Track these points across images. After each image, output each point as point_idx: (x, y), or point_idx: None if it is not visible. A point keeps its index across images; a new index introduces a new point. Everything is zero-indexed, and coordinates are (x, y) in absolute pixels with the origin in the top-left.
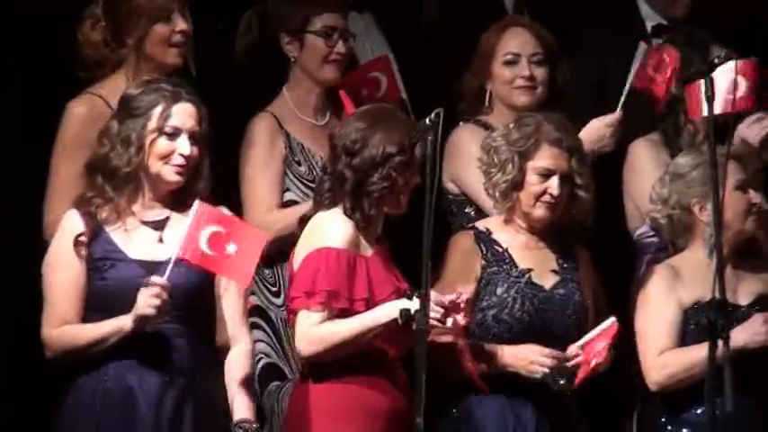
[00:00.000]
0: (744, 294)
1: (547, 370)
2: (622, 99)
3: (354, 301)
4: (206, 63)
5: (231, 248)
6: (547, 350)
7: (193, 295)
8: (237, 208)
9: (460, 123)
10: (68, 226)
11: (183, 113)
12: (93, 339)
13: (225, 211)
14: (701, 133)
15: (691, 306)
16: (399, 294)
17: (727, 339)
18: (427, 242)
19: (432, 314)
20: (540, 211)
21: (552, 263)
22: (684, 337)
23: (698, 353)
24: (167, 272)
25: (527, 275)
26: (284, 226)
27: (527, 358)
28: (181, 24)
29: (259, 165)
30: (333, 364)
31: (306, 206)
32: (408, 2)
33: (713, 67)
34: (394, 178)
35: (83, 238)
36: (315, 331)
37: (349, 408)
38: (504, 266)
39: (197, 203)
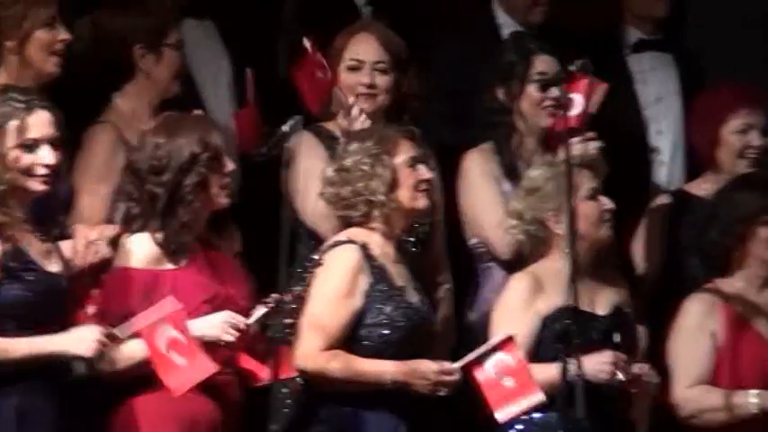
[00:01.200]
0: (601, 304)
1: (447, 390)
2: None
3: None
4: None
5: (180, 360)
6: (444, 367)
7: None
8: None
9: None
10: None
11: (40, 123)
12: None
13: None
14: (529, 141)
15: (548, 314)
16: (217, 303)
17: (579, 348)
18: (284, 251)
19: (226, 336)
20: (422, 201)
21: (411, 279)
22: (540, 345)
23: (548, 371)
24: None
25: (403, 292)
26: None
27: (426, 377)
28: (63, 34)
29: (94, 177)
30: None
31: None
32: (252, 9)
33: (569, 75)
34: (206, 176)
35: None
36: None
37: (171, 417)
38: (386, 284)
39: (170, 301)
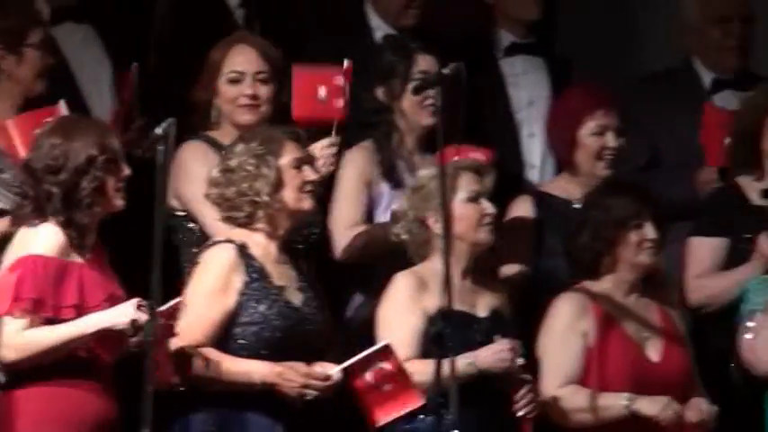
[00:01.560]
0: (481, 307)
1: (315, 392)
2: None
3: (62, 308)
4: None
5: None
6: (314, 371)
7: None
8: None
9: (187, 140)
10: None
11: None
12: None
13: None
14: (409, 140)
15: (432, 314)
16: (113, 301)
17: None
18: (157, 254)
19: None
20: (307, 202)
21: (297, 279)
22: (426, 343)
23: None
24: None
25: (283, 293)
26: None
27: (295, 379)
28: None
29: None
30: (39, 368)
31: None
32: (135, 13)
33: (442, 78)
34: (102, 179)
35: None
36: (18, 338)
37: (54, 414)
38: (263, 283)
39: None
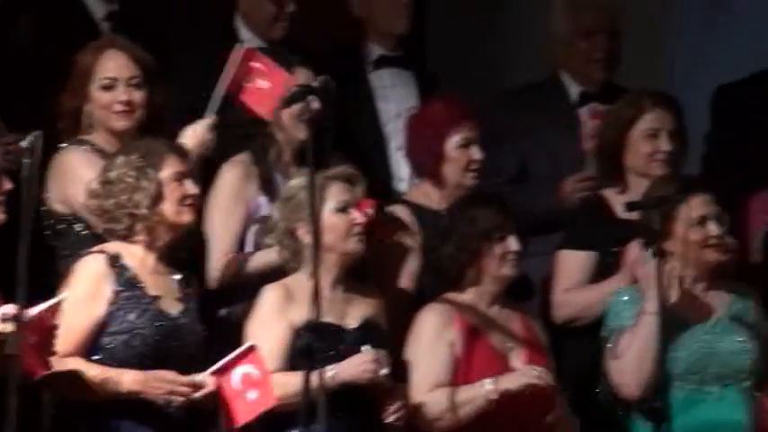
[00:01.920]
0: (353, 317)
1: (182, 398)
2: (216, 104)
3: None
4: None
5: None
6: (182, 378)
7: None
8: None
9: (65, 145)
10: None
11: None
12: None
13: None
14: (286, 153)
15: (300, 326)
16: None
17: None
18: (22, 264)
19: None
20: (187, 216)
21: (176, 290)
22: (293, 356)
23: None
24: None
25: (157, 302)
26: None
27: (160, 386)
28: None
29: None
30: None
31: None
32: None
33: (313, 91)
34: None
35: None
36: None
37: None
38: (135, 292)
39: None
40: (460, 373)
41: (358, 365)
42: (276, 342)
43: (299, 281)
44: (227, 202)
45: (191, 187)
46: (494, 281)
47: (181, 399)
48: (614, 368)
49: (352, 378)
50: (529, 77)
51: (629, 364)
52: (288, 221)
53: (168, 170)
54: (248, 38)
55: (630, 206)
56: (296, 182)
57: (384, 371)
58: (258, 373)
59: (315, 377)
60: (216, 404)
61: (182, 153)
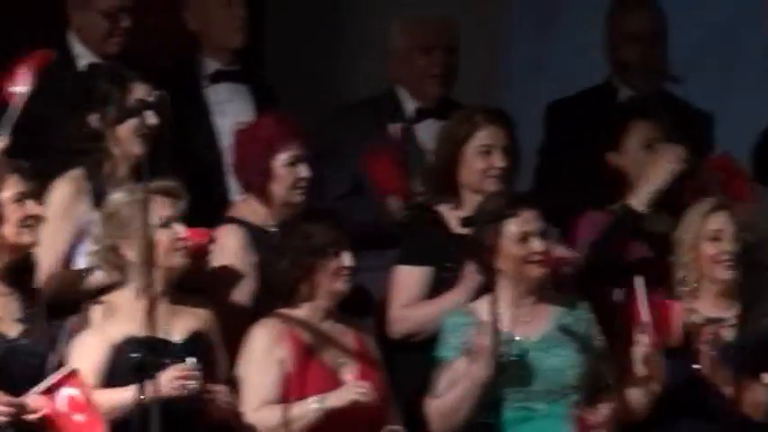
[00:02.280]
0: (178, 330)
1: (5, 418)
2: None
3: None
4: None
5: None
6: (5, 398)
7: None
8: None
9: None
10: None
11: None
12: None
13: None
14: (122, 168)
15: (120, 342)
16: None
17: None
18: None
19: None
20: (27, 237)
21: (16, 311)
22: (114, 373)
23: (121, 396)
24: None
25: None
26: None
27: None
28: None
29: None
30: None
31: None
32: None
33: (148, 105)
34: None
35: None
36: None
37: None
38: None
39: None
40: (293, 390)
41: (169, 380)
42: (94, 360)
43: (124, 296)
44: (55, 218)
45: (33, 207)
46: (327, 296)
47: (3, 419)
48: (431, 405)
49: (165, 392)
50: (369, 92)
51: (445, 407)
52: (111, 238)
53: (9, 191)
54: (81, 53)
55: (466, 222)
56: (116, 197)
57: (192, 386)
58: (83, 397)
59: (134, 393)
60: (43, 425)
61: (23, 172)
